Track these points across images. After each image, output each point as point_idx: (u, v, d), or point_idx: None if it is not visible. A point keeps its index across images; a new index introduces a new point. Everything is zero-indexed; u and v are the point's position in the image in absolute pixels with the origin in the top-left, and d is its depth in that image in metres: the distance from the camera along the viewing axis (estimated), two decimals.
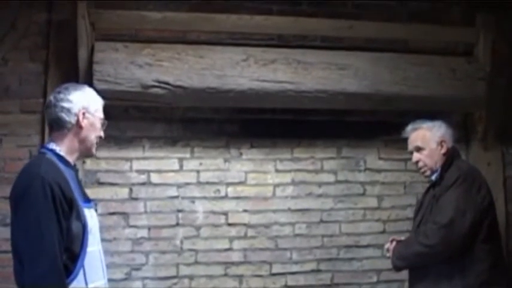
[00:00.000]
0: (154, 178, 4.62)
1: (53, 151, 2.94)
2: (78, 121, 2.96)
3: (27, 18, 4.52)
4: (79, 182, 3.05)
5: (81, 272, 2.80)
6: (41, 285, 2.65)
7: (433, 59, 4.83)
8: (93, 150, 3.08)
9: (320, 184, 4.87)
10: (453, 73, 4.81)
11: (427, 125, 3.95)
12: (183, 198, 4.65)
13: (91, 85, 4.11)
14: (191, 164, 4.69)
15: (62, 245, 2.73)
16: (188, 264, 4.62)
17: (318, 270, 4.81)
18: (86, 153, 3.08)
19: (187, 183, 4.67)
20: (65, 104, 2.96)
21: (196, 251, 4.64)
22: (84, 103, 2.99)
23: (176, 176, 4.66)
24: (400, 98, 4.68)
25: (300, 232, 4.80)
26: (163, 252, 4.58)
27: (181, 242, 4.62)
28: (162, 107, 4.53)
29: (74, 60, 4.36)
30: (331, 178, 4.90)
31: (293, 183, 4.84)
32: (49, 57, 4.53)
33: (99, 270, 2.96)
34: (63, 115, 2.95)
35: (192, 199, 4.66)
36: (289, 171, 4.84)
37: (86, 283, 2.82)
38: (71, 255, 2.79)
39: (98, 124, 3.06)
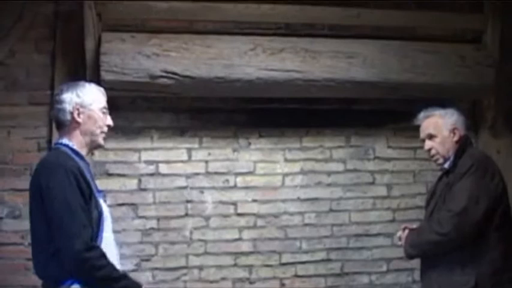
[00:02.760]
0: (163, 169, 4.62)
1: (67, 146, 3.06)
2: (74, 118, 3.07)
3: (34, 9, 4.50)
4: (91, 175, 3.12)
5: None
6: (90, 256, 2.79)
7: (442, 46, 4.82)
8: (100, 140, 3.16)
9: (329, 173, 4.86)
10: (462, 60, 4.79)
11: (440, 112, 3.88)
12: (191, 188, 4.65)
13: (98, 76, 4.16)
14: (200, 154, 4.68)
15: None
16: (197, 255, 4.62)
17: (328, 260, 4.81)
18: (93, 144, 3.16)
19: (196, 174, 4.66)
20: (59, 106, 3.09)
21: (205, 242, 4.64)
22: (76, 100, 3.07)
23: (185, 166, 4.66)
24: (409, 86, 4.67)
25: (309, 221, 4.80)
26: (173, 243, 4.58)
27: (191, 233, 4.62)
28: (169, 97, 4.52)
29: (81, 51, 4.36)
30: (340, 167, 4.89)
31: (302, 172, 4.83)
32: (56, 48, 4.52)
33: (114, 256, 3.02)
34: (60, 116, 3.09)
35: (201, 189, 4.66)
36: (298, 160, 4.83)
37: None
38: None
39: (98, 114, 3.12)
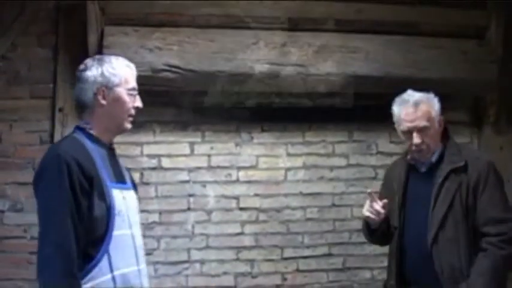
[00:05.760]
0: (165, 163, 4.62)
1: (82, 130, 2.78)
2: (98, 100, 2.77)
3: (36, 3, 4.50)
4: (113, 162, 2.86)
5: (105, 257, 2.61)
6: (45, 268, 2.52)
7: (445, 41, 4.82)
8: (126, 124, 2.85)
9: (332, 168, 4.86)
10: (464, 56, 4.80)
11: (427, 98, 3.49)
12: (194, 182, 4.65)
13: None
14: (202, 148, 4.69)
15: (80, 225, 2.55)
16: (199, 249, 4.62)
17: (330, 255, 4.81)
18: (118, 129, 2.86)
19: (198, 168, 4.66)
20: (81, 85, 2.78)
21: (207, 236, 4.64)
22: (100, 79, 2.76)
23: (187, 160, 4.66)
24: (411, 81, 4.61)
25: (311, 216, 4.79)
26: (175, 237, 4.58)
27: (193, 227, 4.62)
28: (172, 91, 4.51)
29: (84, 45, 4.35)
30: (342, 162, 4.89)
31: (304, 167, 4.83)
32: (58, 42, 4.53)
33: (131, 255, 2.75)
34: (82, 96, 2.78)
35: (203, 183, 4.66)
36: (301, 155, 4.83)
37: (111, 270, 2.62)
38: (94, 239, 2.60)
39: (125, 97, 2.81)
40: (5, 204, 4.36)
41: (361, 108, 4.90)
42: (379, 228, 3.56)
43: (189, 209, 4.62)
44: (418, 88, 4.56)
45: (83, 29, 4.37)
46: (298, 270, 4.76)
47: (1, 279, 4.24)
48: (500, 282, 3.30)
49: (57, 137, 4.38)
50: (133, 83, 2.87)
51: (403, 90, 4.65)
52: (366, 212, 3.48)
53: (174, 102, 4.62)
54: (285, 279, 4.73)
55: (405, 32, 4.81)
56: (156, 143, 4.61)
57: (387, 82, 4.63)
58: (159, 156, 4.61)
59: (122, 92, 2.80)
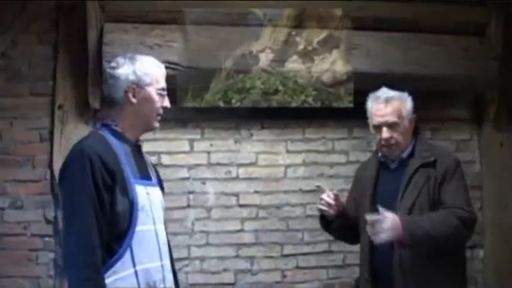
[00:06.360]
0: (165, 160, 4.62)
1: (107, 126, 2.82)
2: (128, 98, 2.80)
3: (37, 1, 4.50)
4: (138, 158, 2.87)
5: (128, 252, 2.65)
6: (69, 262, 2.58)
7: (445, 38, 4.81)
8: (154, 123, 2.89)
9: (331, 165, 4.86)
10: (465, 53, 4.79)
11: (400, 96, 3.56)
12: (194, 179, 4.65)
13: (100, 67, 4.16)
14: (202, 146, 4.69)
15: (103, 220, 2.60)
16: (199, 246, 4.63)
17: (330, 251, 4.80)
18: (146, 127, 2.90)
19: (198, 165, 4.67)
20: (112, 81, 2.81)
21: (207, 233, 4.65)
22: (132, 77, 2.80)
23: (187, 157, 4.66)
24: (411, 78, 4.64)
25: (311, 213, 4.75)
26: (175, 234, 4.54)
27: (193, 224, 4.63)
28: (172, 88, 4.49)
29: (84, 42, 4.36)
30: (342, 159, 4.89)
31: (304, 164, 4.83)
32: (58, 39, 4.52)
33: (153, 250, 2.78)
34: (112, 93, 2.81)
35: (203, 180, 4.67)
36: (300, 152, 4.83)
37: (134, 264, 2.66)
38: (116, 233, 2.64)
39: (155, 96, 2.84)
40: (5, 201, 4.36)
41: (361, 105, 4.89)
42: (335, 221, 3.68)
43: (188, 206, 4.63)
44: (418, 85, 4.62)
45: (82, 27, 4.38)
46: (298, 267, 4.76)
47: (1, 277, 4.24)
48: (444, 237, 3.28)
49: (56, 135, 4.40)
50: (163, 83, 2.92)
51: (403, 87, 4.68)
52: (318, 205, 3.65)
53: (174, 100, 4.61)
54: (284, 276, 4.73)
55: (405, 29, 4.79)
56: (155, 140, 4.58)
57: (387, 79, 4.59)
58: (158, 153, 4.62)
59: (152, 91, 2.84)
